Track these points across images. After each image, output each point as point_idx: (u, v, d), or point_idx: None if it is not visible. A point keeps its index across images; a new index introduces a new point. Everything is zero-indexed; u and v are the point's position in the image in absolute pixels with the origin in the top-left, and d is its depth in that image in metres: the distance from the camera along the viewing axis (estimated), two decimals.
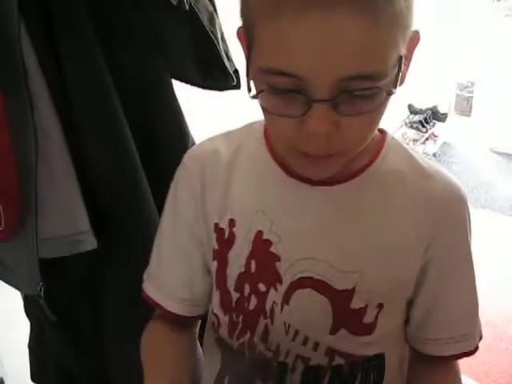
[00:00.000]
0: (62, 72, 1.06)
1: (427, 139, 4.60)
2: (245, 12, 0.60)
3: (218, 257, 0.79)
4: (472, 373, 2.46)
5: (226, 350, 0.83)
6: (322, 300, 0.74)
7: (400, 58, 0.58)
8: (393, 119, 4.43)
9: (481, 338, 0.84)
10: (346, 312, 0.74)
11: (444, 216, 0.74)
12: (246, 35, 0.61)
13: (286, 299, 0.75)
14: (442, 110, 4.91)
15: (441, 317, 0.80)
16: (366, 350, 0.78)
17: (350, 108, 0.57)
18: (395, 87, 0.60)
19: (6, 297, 1.29)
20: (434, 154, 4.75)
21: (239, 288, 0.78)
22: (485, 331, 2.55)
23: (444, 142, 5.15)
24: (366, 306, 0.74)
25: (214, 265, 0.80)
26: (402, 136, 4.36)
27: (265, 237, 0.74)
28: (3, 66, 0.98)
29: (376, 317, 0.75)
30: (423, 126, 4.52)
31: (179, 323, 0.86)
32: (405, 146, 0.78)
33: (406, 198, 0.73)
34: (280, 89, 0.57)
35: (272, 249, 0.74)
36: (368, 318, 0.75)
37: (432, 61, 4.58)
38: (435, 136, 4.76)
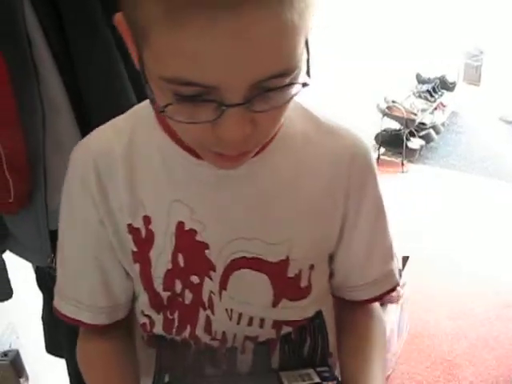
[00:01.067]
0: (68, 45, 1.05)
1: (435, 109, 4.56)
2: (133, 10, 0.52)
3: (139, 259, 0.74)
4: (482, 338, 2.49)
5: (164, 347, 0.81)
6: (260, 276, 0.73)
7: (307, 42, 0.56)
8: (401, 89, 4.39)
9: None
10: (284, 282, 0.75)
11: (354, 168, 0.75)
12: (134, 35, 0.55)
13: (223, 285, 0.74)
14: (450, 79, 4.86)
15: (360, 263, 0.82)
16: (307, 313, 0.80)
17: (264, 105, 0.55)
18: (309, 74, 0.58)
19: (18, 271, 1.31)
20: (443, 124, 4.71)
21: (169, 286, 0.75)
22: (495, 299, 2.58)
23: (452, 112, 5.12)
24: (300, 271, 0.75)
25: (135, 268, 0.75)
26: (411, 106, 4.32)
27: (187, 227, 0.71)
28: (7, 37, 0.97)
29: (309, 278, 0.77)
30: (431, 96, 4.48)
31: (107, 330, 0.81)
32: (304, 105, 0.76)
33: (315, 157, 0.73)
34: (188, 96, 0.53)
35: (198, 237, 0.71)
36: (304, 282, 0.77)
37: (440, 30, 4.52)
38: (444, 105, 4.72)
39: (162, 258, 0.73)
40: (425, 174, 4.12)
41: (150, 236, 0.72)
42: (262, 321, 0.77)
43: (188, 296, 0.75)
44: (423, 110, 4.35)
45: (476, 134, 4.78)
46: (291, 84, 0.55)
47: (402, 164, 4.08)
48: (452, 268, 3.01)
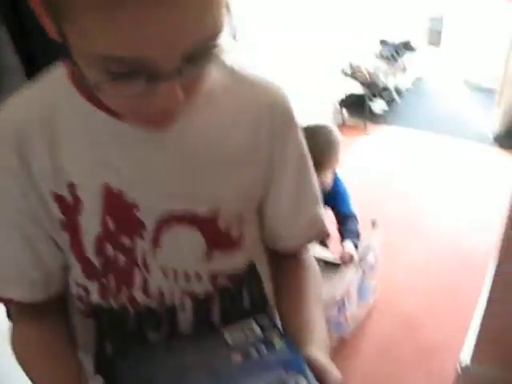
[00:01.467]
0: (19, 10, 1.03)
1: (399, 71, 4.59)
2: None
3: (68, 227, 0.72)
4: (442, 295, 2.56)
5: (101, 316, 0.79)
6: (191, 230, 0.74)
7: (227, 3, 0.57)
8: (365, 54, 4.40)
9: None
10: (216, 233, 0.76)
11: (276, 116, 0.77)
12: (51, 8, 0.53)
13: (156, 242, 0.73)
14: (413, 43, 4.88)
15: (288, 211, 0.84)
16: (240, 264, 0.82)
17: (195, 70, 0.57)
18: (235, 37, 0.60)
19: None
20: (406, 87, 4.76)
21: (101, 252, 0.73)
22: (456, 255, 2.62)
23: (417, 77, 5.16)
24: (231, 222, 0.77)
25: (64, 236, 0.73)
26: (374, 69, 4.33)
27: (114, 188, 0.70)
28: None
29: (240, 229, 0.79)
30: (395, 59, 4.50)
31: (42, 310, 0.78)
32: (221, 59, 0.75)
33: (237, 109, 0.75)
34: (121, 72, 0.53)
35: (125, 198, 0.70)
36: (235, 233, 0.78)
37: None
38: (407, 68, 4.74)
39: (91, 223, 0.71)
40: (388, 135, 4.17)
41: (77, 202, 0.70)
42: (198, 275, 0.77)
43: (121, 259, 0.74)
44: (386, 73, 4.37)
45: (439, 96, 4.83)
46: (216, 46, 0.56)
47: (366, 126, 4.12)
48: (416, 227, 3.07)
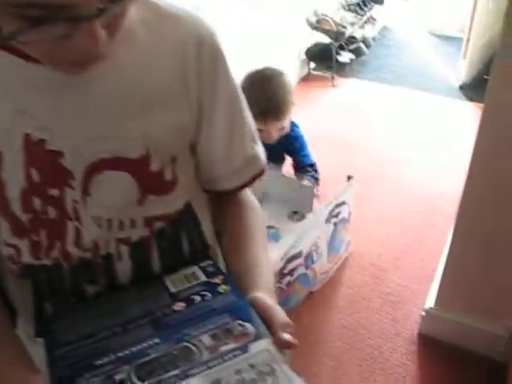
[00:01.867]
0: None
1: (366, 22, 4.53)
2: None
3: None
4: (409, 244, 2.59)
5: (36, 275, 0.75)
6: (123, 175, 0.70)
7: None
8: (331, 2, 4.31)
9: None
10: (148, 177, 0.73)
11: (203, 51, 0.74)
12: None
13: (86, 191, 0.70)
14: None
15: (222, 150, 0.82)
16: (175, 206, 0.79)
17: (116, 9, 0.54)
18: None
19: None
20: (373, 38, 4.69)
21: (28, 207, 0.69)
22: (422, 205, 2.66)
23: (383, 26, 5.10)
24: (163, 164, 0.74)
25: None
26: (341, 20, 4.26)
27: (34, 137, 0.65)
28: None
29: (173, 171, 0.76)
30: (361, 9, 4.43)
31: None
32: None
33: (159, 46, 0.71)
34: (39, 17, 0.50)
35: (48, 147, 0.66)
36: (168, 175, 0.75)
37: None
38: (374, 19, 4.68)
39: (14, 177, 0.67)
40: (355, 87, 4.13)
41: None
42: (133, 221, 0.74)
43: (51, 211, 0.70)
44: (353, 24, 4.31)
45: (406, 47, 4.79)
46: None
47: (333, 78, 4.06)
48: (386, 179, 3.08)
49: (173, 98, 0.73)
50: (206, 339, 0.62)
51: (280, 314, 0.65)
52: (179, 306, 0.68)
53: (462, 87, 4.04)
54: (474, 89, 3.93)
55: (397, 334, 2.14)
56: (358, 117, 3.73)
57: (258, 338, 0.62)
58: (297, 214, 2.09)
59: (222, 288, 0.70)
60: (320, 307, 2.27)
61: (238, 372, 0.58)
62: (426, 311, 2.08)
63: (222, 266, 0.83)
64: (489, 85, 1.56)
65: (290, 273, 1.97)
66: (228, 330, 0.63)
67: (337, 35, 3.96)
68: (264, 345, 0.61)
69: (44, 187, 0.68)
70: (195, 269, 0.76)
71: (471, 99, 3.86)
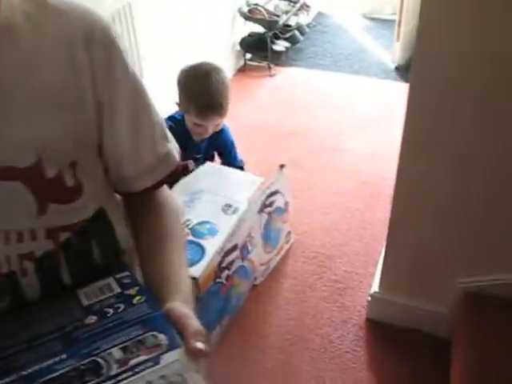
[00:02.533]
0: None
1: (300, 9, 4.51)
2: None
3: None
4: (353, 229, 2.59)
5: None
6: (15, 185, 0.65)
7: None
8: None
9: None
10: (45, 185, 0.68)
11: (94, 45, 0.69)
12: None
13: None
14: None
15: (129, 150, 0.78)
16: (85, 213, 0.75)
17: None
18: None
19: None
20: (308, 25, 4.69)
21: None
22: (363, 190, 2.67)
23: (318, 12, 5.10)
24: (61, 170, 0.69)
25: None
26: (275, 8, 4.24)
27: None
28: None
29: (75, 176, 0.71)
30: None
31: None
32: None
33: (46, 42, 0.66)
34: None
35: None
36: (68, 182, 0.70)
37: None
38: (308, 6, 4.67)
39: None
40: (293, 75, 4.12)
41: None
42: (33, 232, 0.69)
43: None
44: (287, 12, 4.29)
45: (341, 32, 4.80)
46: None
47: (269, 67, 4.04)
48: (323, 164, 3.08)
49: (64, 99, 0.68)
50: (116, 352, 0.60)
51: (193, 322, 0.63)
52: (91, 319, 0.66)
53: (397, 69, 4.09)
54: (408, 70, 3.96)
55: (345, 321, 2.14)
56: (297, 105, 3.72)
57: (170, 348, 0.60)
58: (231, 207, 2.06)
59: (137, 299, 0.69)
60: (266, 300, 2.25)
61: None
62: (372, 296, 2.09)
63: (139, 273, 0.80)
64: (411, 69, 1.59)
65: (228, 266, 1.93)
66: (140, 342, 0.61)
67: (270, 24, 3.93)
68: (176, 355, 0.60)
69: None
70: (110, 280, 0.73)
71: (407, 80, 3.89)
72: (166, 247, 0.79)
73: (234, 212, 2.03)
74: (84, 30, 0.68)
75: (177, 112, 2.32)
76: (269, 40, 3.94)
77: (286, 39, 4.19)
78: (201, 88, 2.14)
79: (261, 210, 2.17)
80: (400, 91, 3.80)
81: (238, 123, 3.24)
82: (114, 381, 0.57)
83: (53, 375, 0.58)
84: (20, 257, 0.69)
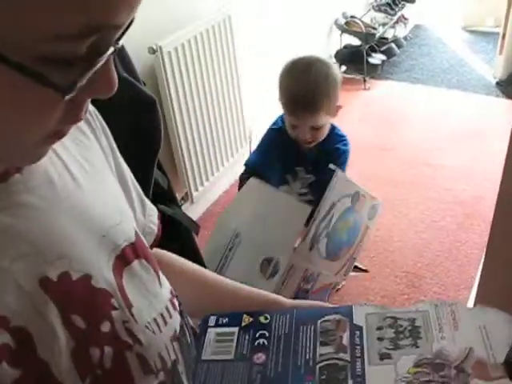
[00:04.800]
0: None
1: (397, 22, 4.43)
2: None
3: None
4: (445, 250, 2.50)
5: None
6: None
7: None
8: (360, 3, 4.24)
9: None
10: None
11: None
12: None
13: (129, 302, 0.58)
14: None
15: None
16: None
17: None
18: None
19: None
20: (405, 38, 4.60)
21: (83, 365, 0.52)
22: (457, 210, 2.56)
23: (416, 25, 4.99)
24: None
25: None
26: (371, 20, 4.19)
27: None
28: None
29: None
30: (392, 9, 4.34)
31: None
32: None
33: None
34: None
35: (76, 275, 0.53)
36: None
37: None
38: (405, 18, 4.58)
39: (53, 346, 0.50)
40: (388, 89, 4.05)
41: None
42: (167, 308, 0.64)
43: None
44: (384, 24, 4.23)
45: (439, 45, 4.68)
46: None
47: (365, 81, 3.99)
48: (418, 181, 3.00)
49: None
50: None
51: None
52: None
53: (498, 84, 3.92)
54: (511, 85, 3.80)
55: None
56: (391, 119, 3.65)
57: None
58: (271, 263, 1.59)
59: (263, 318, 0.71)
60: None
61: None
62: None
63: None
64: None
65: None
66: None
67: (366, 37, 3.89)
68: None
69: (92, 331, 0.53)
70: (234, 329, 0.72)
71: (509, 96, 3.74)
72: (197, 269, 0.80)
73: (275, 270, 1.58)
74: None
75: (281, 116, 1.98)
76: (365, 53, 3.90)
77: (382, 52, 4.13)
78: (293, 79, 1.83)
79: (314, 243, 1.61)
80: (501, 107, 3.65)
81: None
82: None
83: None
84: (171, 341, 0.62)
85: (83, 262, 0.53)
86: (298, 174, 1.96)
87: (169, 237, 1.50)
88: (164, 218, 1.48)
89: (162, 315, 0.62)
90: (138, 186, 0.74)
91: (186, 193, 2.55)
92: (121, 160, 0.69)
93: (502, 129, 3.39)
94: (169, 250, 1.54)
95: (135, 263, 0.60)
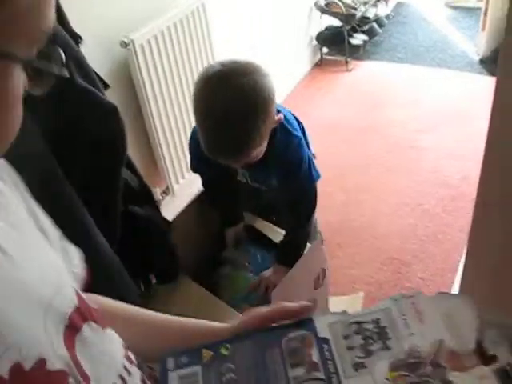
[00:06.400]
0: None
1: (378, 1, 4.37)
2: None
3: None
4: (431, 234, 2.49)
5: None
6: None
7: None
8: None
9: None
10: None
11: None
12: None
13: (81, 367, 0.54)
14: None
15: None
16: None
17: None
18: None
19: None
20: (387, 16, 4.54)
21: None
22: (442, 192, 2.54)
23: (398, 3, 4.93)
24: None
25: None
26: (352, 1, 4.13)
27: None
28: None
29: None
30: None
31: None
32: None
33: None
34: None
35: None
36: None
37: None
38: None
39: None
40: (371, 69, 4.00)
41: None
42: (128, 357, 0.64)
43: None
44: (365, 3, 4.17)
45: (422, 23, 4.62)
46: None
47: (347, 62, 3.94)
48: (402, 164, 2.97)
49: None
50: None
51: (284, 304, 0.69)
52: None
53: (482, 61, 3.88)
54: (494, 62, 3.76)
55: None
56: (375, 100, 3.61)
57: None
58: None
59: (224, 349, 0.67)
60: None
61: None
62: None
63: None
64: (499, 63, 1.46)
65: None
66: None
67: (347, 17, 3.83)
68: None
69: None
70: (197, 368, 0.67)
71: (492, 73, 3.70)
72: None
73: None
74: None
75: None
76: (346, 34, 3.84)
77: (363, 32, 4.08)
78: (206, 131, 1.36)
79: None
80: (484, 85, 3.62)
81: (314, 119, 3.19)
82: None
83: None
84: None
85: (33, 346, 0.48)
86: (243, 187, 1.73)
87: (141, 238, 1.48)
88: (136, 219, 1.46)
89: (120, 376, 0.59)
90: (56, 229, 0.66)
91: (168, 186, 2.52)
92: (35, 207, 0.63)
93: (485, 107, 3.35)
94: (144, 251, 1.51)
95: (85, 328, 0.56)
